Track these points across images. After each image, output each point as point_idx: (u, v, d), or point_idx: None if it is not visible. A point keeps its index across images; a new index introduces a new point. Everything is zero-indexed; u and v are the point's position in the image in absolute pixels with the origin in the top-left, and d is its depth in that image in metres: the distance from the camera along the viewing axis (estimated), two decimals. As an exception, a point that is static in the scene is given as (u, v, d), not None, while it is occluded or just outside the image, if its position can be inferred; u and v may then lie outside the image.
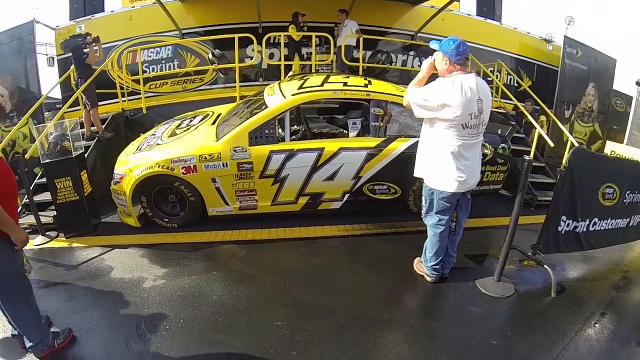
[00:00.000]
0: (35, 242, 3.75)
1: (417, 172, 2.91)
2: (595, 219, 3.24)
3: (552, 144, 5.14)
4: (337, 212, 4.14)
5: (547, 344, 2.48)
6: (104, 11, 8.37)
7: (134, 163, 3.83)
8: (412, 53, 8.65)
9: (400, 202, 4.20)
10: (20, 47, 7.07)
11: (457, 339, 2.49)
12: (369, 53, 7.58)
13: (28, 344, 2.20)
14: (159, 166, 3.70)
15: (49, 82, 7.31)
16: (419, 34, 8.39)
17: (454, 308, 2.89)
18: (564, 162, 2.94)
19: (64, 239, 3.83)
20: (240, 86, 6.26)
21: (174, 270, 3.20)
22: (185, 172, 3.69)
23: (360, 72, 6.86)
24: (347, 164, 3.88)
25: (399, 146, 3.90)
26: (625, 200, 3.34)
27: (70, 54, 5.40)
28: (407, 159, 3.59)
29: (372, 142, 3.93)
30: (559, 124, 5.83)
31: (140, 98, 6.29)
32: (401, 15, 8.38)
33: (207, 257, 3.43)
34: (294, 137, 4.19)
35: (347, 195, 4.05)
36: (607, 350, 2.53)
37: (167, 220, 3.94)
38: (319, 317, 2.62)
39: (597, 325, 2.73)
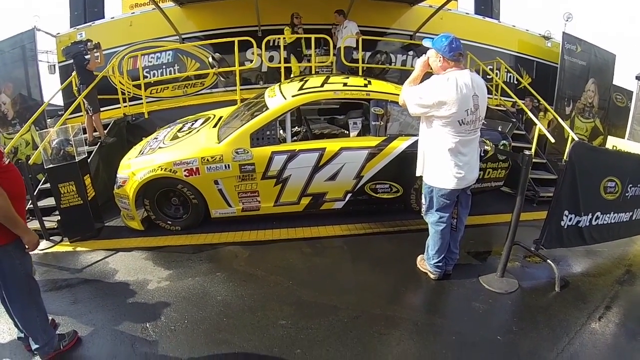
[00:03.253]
0: (40, 246, 3.76)
1: (419, 171, 2.92)
2: (598, 213, 3.23)
3: (552, 140, 5.15)
4: (340, 212, 4.15)
5: (552, 339, 2.47)
6: (104, 18, 8.45)
7: (137, 166, 3.85)
8: (411, 53, 8.65)
9: (402, 200, 4.21)
10: (21, 55, 7.16)
11: (462, 334, 2.49)
12: (368, 54, 7.60)
13: (34, 346, 2.22)
14: (161, 169, 3.72)
15: (51, 89, 7.39)
16: (417, 34, 8.40)
17: (458, 304, 2.89)
18: (564, 156, 2.94)
19: (68, 243, 3.86)
20: (240, 89, 6.28)
21: (178, 272, 3.22)
22: (187, 174, 3.72)
23: (360, 73, 6.87)
24: (349, 164, 3.89)
25: (400, 145, 3.91)
26: (627, 194, 3.33)
27: (71, 61, 5.45)
28: (408, 157, 3.62)
29: (373, 141, 3.94)
30: (559, 119, 5.83)
31: (142, 103, 6.34)
32: (400, 15, 8.40)
33: (211, 258, 3.45)
34: (295, 138, 4.21)
35: (349, 195, 4.06)
36: (613, 343, 2.51)
37: (170, 222, 3.96)
38: (323, 315, 2.63)
39: (602, 319, 2.72)
